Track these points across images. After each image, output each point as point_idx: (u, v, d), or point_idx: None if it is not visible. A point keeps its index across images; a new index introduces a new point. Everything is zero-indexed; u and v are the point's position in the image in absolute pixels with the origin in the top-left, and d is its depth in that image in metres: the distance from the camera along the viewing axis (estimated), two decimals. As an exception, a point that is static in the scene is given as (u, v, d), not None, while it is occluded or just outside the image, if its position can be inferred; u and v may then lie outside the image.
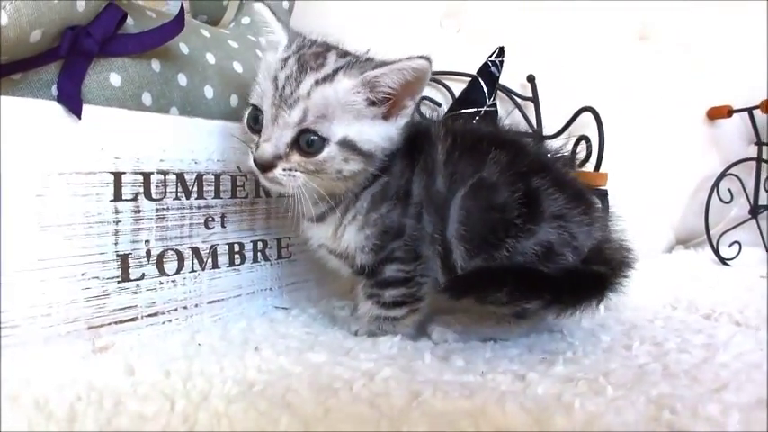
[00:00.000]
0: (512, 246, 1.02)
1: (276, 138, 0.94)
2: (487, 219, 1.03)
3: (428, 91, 1.73)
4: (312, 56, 0.98)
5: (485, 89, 1.46)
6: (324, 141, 0.95)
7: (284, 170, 0.96)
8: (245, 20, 1.41)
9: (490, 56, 1.50)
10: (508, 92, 1.76)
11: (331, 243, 1.08)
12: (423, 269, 1.08)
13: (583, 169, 1.49)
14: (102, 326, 0.95)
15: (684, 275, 1.70)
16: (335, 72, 0.96)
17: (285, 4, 1.46)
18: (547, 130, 1.70)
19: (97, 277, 0.95)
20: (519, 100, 1.78)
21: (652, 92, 1.93)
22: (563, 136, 1.64)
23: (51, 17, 0.89)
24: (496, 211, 1.03)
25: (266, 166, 0.96)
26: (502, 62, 1.50)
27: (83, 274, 0.93)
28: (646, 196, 1.90)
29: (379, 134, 1.00)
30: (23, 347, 0.87)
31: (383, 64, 0.98)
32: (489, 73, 1.48)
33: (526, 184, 1.05)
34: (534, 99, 1.77)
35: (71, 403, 0.75)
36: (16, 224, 0.86)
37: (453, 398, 0.80)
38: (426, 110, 1.70)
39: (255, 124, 0.98)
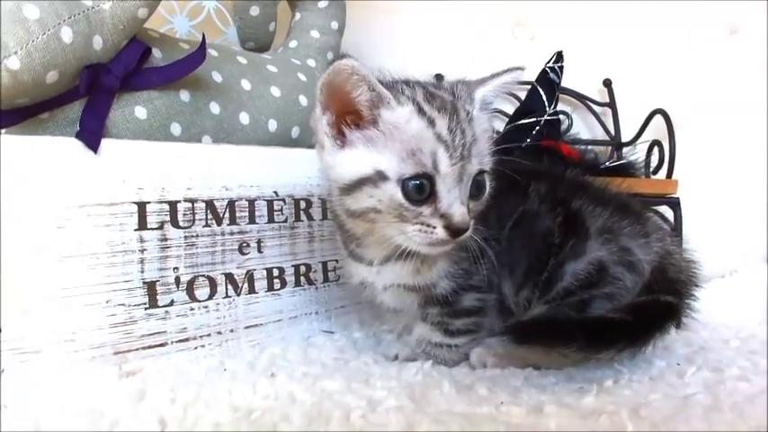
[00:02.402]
0: (557, 267, 0.98)
1: (462, 195, 0.87)
2: (530, 247, 1.01)
3: (498, 103, 1.66)
4: (434, 97, 0.89)
5: (544, 97, 1.37)
6: (486, 177, 0.92)
7: (471, 225, 0.89)
8: (293, 43, 1.42)
9: (548, 62, 1.41)
10: (582, 98, 1.66)
11: (413, 279, 0.99)
12: (494, 299, 1.03)
13: (654, 177, 1.37)
14: (129, 351, 0.98)
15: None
16: (465, 105, 0.91)
17: (334, 25, 1.46)
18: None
19: (123, 304, 0.97)
20: (595, 106, 1.66)
21: (749, 87, 1.74)
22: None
23: (66, 57, 0.93)
24: (539, 238, 1.00)
25: (465, 230, 0.87)
26: (561, 68, 1.41)
27: (107, 302, 0.96)
28: (744, 199, 1.73)
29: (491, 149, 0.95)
30: (48, 372, 0.90)
31: (484, 81, 0.96)
32: (548, 80, 1.39)
33: (566, 207, 1.02)
34: (611, 104, 1.65)
35: (68, 425, 0.77)
36: (38, 255, 0.91)
37: (448, 432, 0.74)
38: (497, 122, 1.63)
39: (421, 194, 0.85)
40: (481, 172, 0.91)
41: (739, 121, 1.75)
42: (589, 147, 1.55)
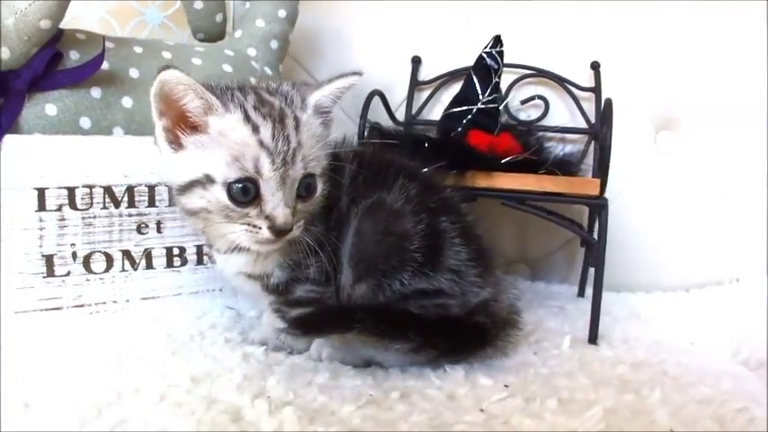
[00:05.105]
0: (407, 281, 1.02)
1: (286, 198, 0.95)
2: (382, 243, 1.04)
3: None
4: (262, 103, 0.98)
5: (477, 85, 1.33)
6: (316, 179, 1.00)
7: (297, 225, 0.98)
8: (238, 33, 1.52)
9: (486, 47, 1.36)
10: (562, 81, 1.56)
11: (251, 268, 1.08)
12: (332, 290, 1.10)
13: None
14: (27, 311, 1.17)
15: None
16: (292, 110, 0.98)
17: (281, 13, 1.52)
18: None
19: (23, 272, 1.16)
20: (577, 91, 1.57)
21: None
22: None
23: (-28, 68, 1.12)
24: (394, 237, 1.04)
25: (288, 230, 0.96)
26: (501, 53, 1.35)
27: (8, 270, 1.15)
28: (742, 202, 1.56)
29: (325, 152, 1.03)
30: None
31: (319, 86, 1.04)
32: (484, 66, 1.35)
33: (432, 219, 1.05)
34: (596, 89, 1.54)
35: None
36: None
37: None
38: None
39: (246, 196, 0.94)
40: (309, 175, 0.98)
41: (746, 117, 1.56)
42: (551, 135, 1.48)
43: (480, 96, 1.34)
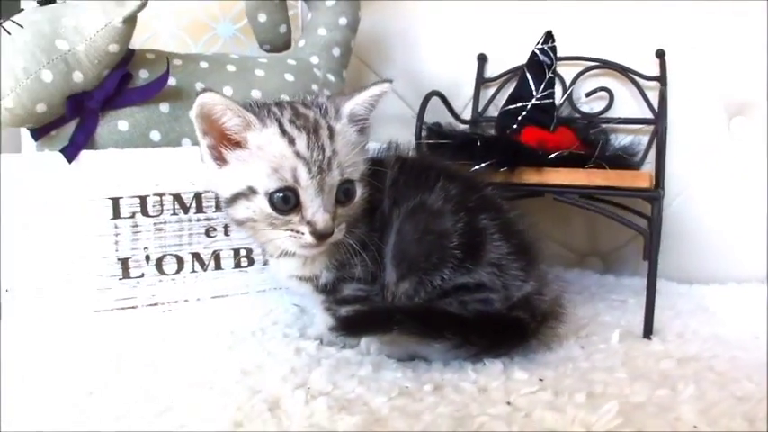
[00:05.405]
0: (448, 276, 1.06)
1: (325, 204, 1.00)
2: (422, 242, 1.08)
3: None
4: (297, 116, 1.04)
5: (531, 82, 1.33)
6: (354, 184, 1.06)
7: (338, 229, 1.03)
8: (302, 42, 1.59)
9: (538, 42, 1.35)
10: (626, 71, 1.52)
11: (301, 271, 1.14)
12: (378, 288, 1.14)
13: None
14: (105, 310, 1.29)
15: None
16: (327, 121, 1.04)
17: (342, 21, 1.57)
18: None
19: (101, 275, 1.28)
20: (642, 81, 1.52)
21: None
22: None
23: (49, 92, 1.24)
24: (433, 235, 1.08)
25: (329, 234, 1.02)
26: (553, 48, 1.34)
27: (88, 272, 1.27)
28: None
29: (363, 158, 1.10)
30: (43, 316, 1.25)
31: (352, 95, 1.09)
32: (537, 63, 1.34)
33: (471, 217, 1.08)
34: (662, 78, 1.48)
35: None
36: (29, 237, 1.24)
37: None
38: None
39: (287, 204, 1.00)
40: (347, 181, 1.03)
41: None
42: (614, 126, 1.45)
43: (534, 93, 1.35)
